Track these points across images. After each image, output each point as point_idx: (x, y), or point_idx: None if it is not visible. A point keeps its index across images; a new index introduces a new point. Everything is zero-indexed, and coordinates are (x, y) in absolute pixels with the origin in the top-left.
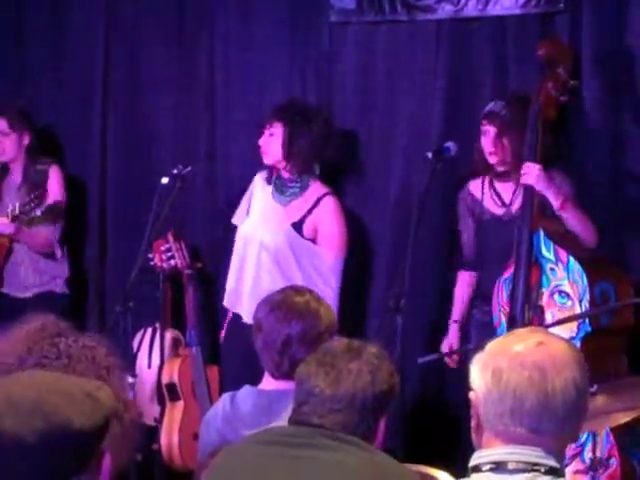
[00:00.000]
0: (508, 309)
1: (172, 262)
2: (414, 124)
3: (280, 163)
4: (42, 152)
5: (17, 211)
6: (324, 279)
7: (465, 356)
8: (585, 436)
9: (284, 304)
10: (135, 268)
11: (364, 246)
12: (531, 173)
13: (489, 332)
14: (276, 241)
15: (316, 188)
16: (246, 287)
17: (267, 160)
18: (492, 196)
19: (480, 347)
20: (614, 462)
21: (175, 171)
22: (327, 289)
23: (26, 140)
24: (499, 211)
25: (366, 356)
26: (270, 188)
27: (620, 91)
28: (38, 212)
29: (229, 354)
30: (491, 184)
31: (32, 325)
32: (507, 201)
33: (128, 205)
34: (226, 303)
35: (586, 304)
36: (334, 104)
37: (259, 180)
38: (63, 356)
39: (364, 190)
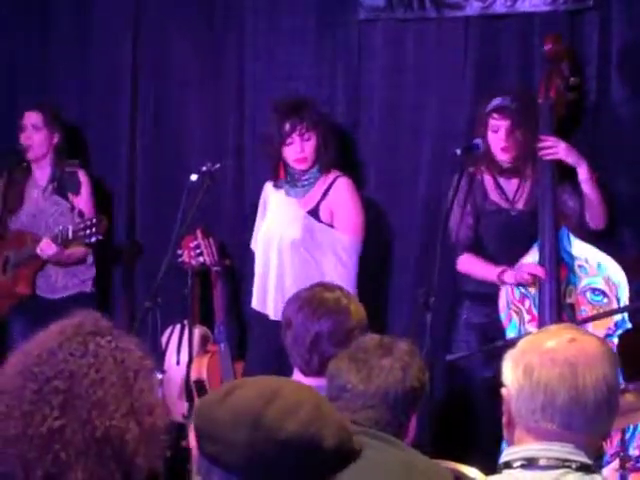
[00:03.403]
0: (521, 307)
1: (200, 259)
2: (442, 121)
3: (308, 166)
4: (69, 154)
5: (70, 236)
6: (343, 263)
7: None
8: (630, 433)
9: (314, 301)
10: (164, 265)
11: (393, 243)
12: (558, 147)
13: (481, 332)
14: (294, 231)
15: (329, 175)
16: (271, 286)
17: (305, 166)
18: (496, 189)
19: (511, 344)
20: None
21: (204, 168)
22: (345, 272)
23: (55, 139)
24: (504, 205)
25: (397, 353)
26: (281, 191)
27: None
28: (93, 239)
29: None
30: (494, 179)
31: (71, 321)
32: (511, 198)
33: (157, 202)
34: (254, 305)
35: (625, 301)
36: (362, 101)
37: (270, 188)
38: (89, 355)
39: (392, 186)
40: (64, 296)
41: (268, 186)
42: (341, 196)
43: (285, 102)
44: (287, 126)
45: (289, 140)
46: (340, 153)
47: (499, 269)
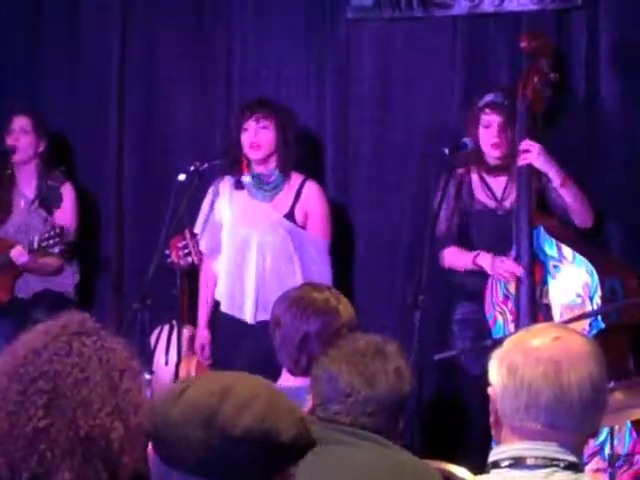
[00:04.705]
0: (505, 308)
1: (189, 259)
2: (431, 120)
3: (269, 158)
4: (56, 161)
5: (35, 245)
6: (318, 265)
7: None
8: (605, 434)
9: (302, 301)
10: (152, 265)
11: (383, 243)
12: (531, 151)
13: (476, 330)
14: (276, 238)
15: (295, 177)
16: (248, 289)
17: (259, 155)
18: (483, 188)
19: (499, 342)
20: (639, 459)
21: (192, 168)
22: (322, 274)
23: (41, 147)
24: (491, 204)
25: (391, 356)
26: (243, 192)
27: (638, 87)
28: (56, 250)
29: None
30: (481, 177)
31: (57, 321)
32: (499, 196)
33: (145, 202)
34: (225, 309)
35: (598, 301)
36: (351, 100)
37: (225, 187)
38: (73, 354)
39: (382, 185)
40: (41, 289)
41: (225, 183)
42: (315, 200)
43: (247, 99)
44: (245, 114)
45: (245, 125)
46: (329, 154)
47: (473, 253)
